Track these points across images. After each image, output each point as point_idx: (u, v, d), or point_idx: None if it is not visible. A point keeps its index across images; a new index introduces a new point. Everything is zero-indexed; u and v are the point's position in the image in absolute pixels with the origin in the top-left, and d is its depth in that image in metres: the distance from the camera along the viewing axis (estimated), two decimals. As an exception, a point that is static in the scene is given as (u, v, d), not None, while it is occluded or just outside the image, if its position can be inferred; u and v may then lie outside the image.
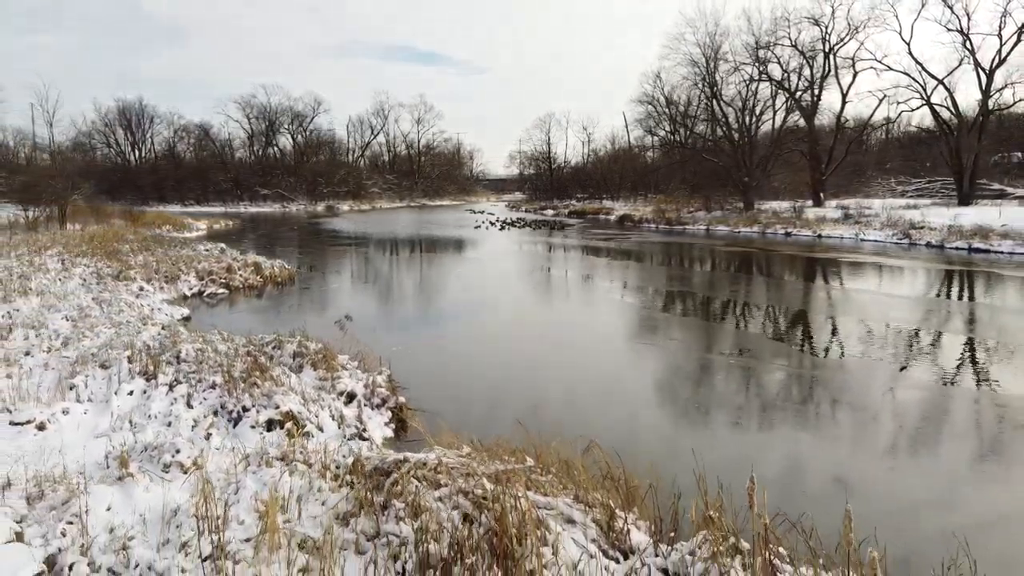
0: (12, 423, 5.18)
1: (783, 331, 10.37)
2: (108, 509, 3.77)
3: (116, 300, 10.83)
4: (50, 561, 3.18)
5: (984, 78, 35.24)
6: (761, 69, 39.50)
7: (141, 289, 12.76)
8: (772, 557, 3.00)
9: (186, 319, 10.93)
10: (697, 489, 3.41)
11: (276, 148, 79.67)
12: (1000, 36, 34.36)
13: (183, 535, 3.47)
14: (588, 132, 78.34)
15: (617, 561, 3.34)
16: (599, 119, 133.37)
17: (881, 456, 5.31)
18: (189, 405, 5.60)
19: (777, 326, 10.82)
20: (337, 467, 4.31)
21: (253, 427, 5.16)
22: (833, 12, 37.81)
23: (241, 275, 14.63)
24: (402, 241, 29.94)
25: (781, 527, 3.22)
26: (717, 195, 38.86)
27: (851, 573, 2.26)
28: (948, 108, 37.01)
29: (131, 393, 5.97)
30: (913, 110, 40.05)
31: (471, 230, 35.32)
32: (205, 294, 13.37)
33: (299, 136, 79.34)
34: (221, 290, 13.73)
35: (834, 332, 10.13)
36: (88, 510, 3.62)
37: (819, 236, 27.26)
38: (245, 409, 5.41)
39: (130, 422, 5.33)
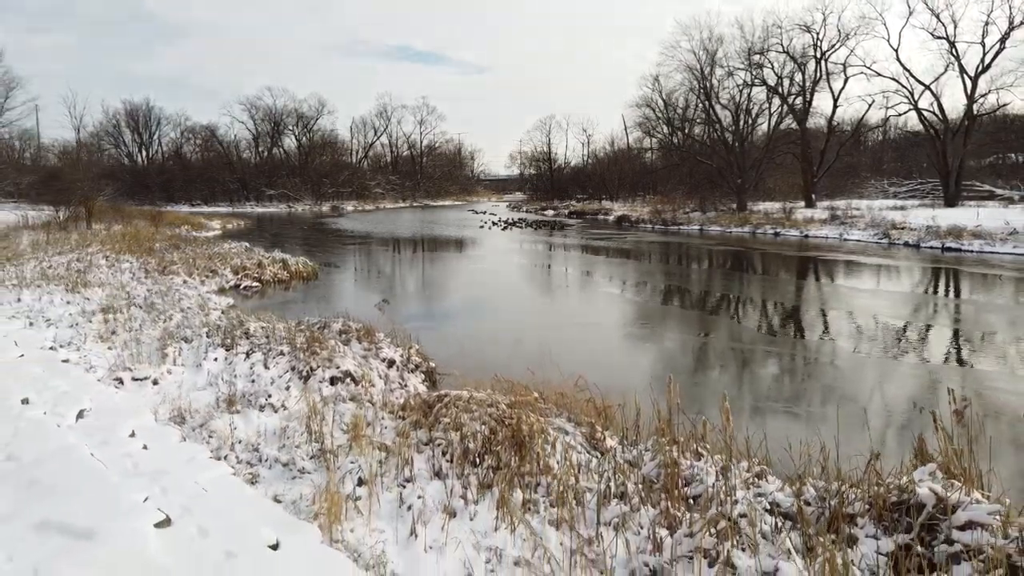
0: (134, 379, 6.68)
1: (744, 313, 11.91)
2: (235, 428, 5.27)
3: (172, 291, 12.33)
4: (213, 451, 4.69)
5: (969, 84, 36.79)
6: (755, 74, 41.09)
7: (184, 282, 14.27)
8: (698, 447, 4.51)
9: (231, 307, 12.42)
10: (653, 409, 4.90)
11: (281, 149, 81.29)
12: (983, 44, 35.92)
13: (295, 442, 4.98)
14: (588, 134, 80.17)
15: (596, 458, 4.84)
16: (598, 121, 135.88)
17: (786, 393, 6.92)
18: (266, 367, 7.08)
19: (742, 311, 12.35)
20: (394, 406, 5.81)
21: (321, 382, 6.65)
22: (824, 19, 39.38)
23: (271, 270, 16.16)
24: (410, 240, 31.45)
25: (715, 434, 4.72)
26: (712, 196, 40.36)
27: (729, 438, 3.75)
28: (935, 113, 38.56)
29: (216, 360, 7.46)
30: (900, 115, 41.70)
31: (475, 230, 36.84)
32: (241, 287, 14.87)
33: (304, 137, 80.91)
34: (254, 284, 15.23)
35: (790, 316, 11.66)
36: (228, 426, 5.13)
37: (806, 235, 28.77)
38: (312, 370, 6.89)
39: (221, 379, 6.82)
